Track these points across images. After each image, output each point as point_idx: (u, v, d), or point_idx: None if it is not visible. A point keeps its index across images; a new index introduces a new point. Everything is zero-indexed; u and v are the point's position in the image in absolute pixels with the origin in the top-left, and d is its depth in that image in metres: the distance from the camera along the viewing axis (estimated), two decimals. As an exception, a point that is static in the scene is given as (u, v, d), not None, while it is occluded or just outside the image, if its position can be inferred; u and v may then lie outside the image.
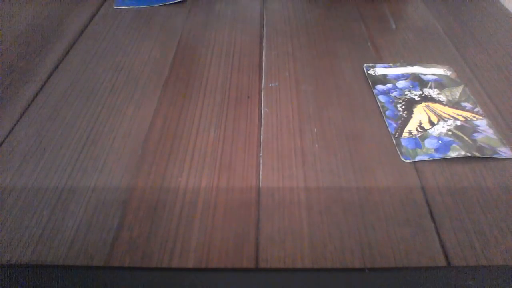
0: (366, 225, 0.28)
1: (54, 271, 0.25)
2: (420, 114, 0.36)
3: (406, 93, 0.39)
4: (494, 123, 0.36)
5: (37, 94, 0.39)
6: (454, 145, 0.33)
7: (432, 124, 0.35)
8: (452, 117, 0.36)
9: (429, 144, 0.33)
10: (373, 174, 0.32)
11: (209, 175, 0.31)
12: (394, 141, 0.34)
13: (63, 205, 0.29)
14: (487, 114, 0.37)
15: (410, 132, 0.35)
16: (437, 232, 0.28)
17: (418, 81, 0.40)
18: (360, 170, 0.32)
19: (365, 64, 0.43)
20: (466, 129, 0.35)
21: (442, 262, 0.26)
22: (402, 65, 0.43)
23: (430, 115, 0.36)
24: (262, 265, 0.26)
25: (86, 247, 0.27)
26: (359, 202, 0.30)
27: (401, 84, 0.40)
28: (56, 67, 0.43)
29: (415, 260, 0.26)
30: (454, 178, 0.31)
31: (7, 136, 0.35)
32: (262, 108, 0.38)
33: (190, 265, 0.26)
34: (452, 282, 0.25)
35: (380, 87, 0.40)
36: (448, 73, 0.42)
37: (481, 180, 0.31)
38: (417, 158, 0.33)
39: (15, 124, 0.36)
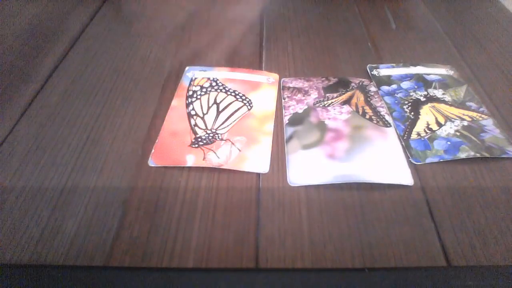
0: (366, 225, 0.28)
1: (54, 271, 0.25)
2: (426, 115, 0.36)
3: (411, 94, 0.39)
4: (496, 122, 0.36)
5: (37, 94, 0.39)
6: (463, 146, 0.33)
7: (439, 125, 0.35)
8: (459, 117, 0.36)
9: (438, 145, 0.33)
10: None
11: (209, 175, 0.31)
12: (403, 143, 0.34)
13: (63, 205, 0.29)
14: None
15: (418, 134, 0.34)
16: (437, 232, 0.28)
17: (422, 82, 0.40)
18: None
19: (368, 65, 0.43)
20: (473, 129, 0.34)
21: (442, 262, 0.26)
22: (405, 65, 0.43)
23: (437, 116, 0.36)
24: (262, 265, 0.26)
25: (86, 247, 0.27)
26: (359, 202, 0.30)
27: (405, 84, 0.40)
28: (56, 67, 0.43)
29: (415, 260, 0.26)
30: (454, 178, 0.31)
31: (7, 136, 0.35)
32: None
33: (190, 265, 0.26)
34: (452, 282, 0.25)
35: (385, 88, 0.40)
36: (451, 72, 0.42)
37: (481, 180, 0.31)
38: (427, 160, 0.32)
39: (15, 124, 0.36)
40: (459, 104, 0.37)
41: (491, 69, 0.43)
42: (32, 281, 0.24)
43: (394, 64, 0.43)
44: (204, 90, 0.39)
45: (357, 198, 0.30)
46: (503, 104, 0.38)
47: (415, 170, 0.32)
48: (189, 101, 0.38)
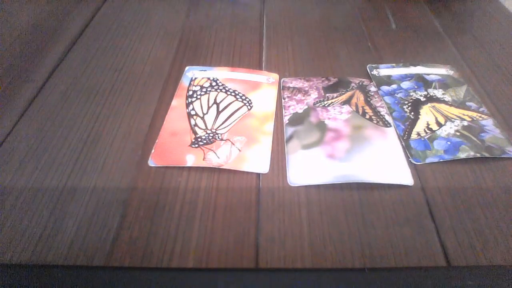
0: (366, 225, 0.28)
1: (54, 271, 0.25)
2: (426, 115, 0.36)
3: (411, 94, 0.39)
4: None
5: (37, 94, 0.39)
6: (463, 145, 0.33)
7: (439, 125, 0.35)
8: (459, 117, 0.36)
9: (438, 145, 0.33)
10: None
11: (209, 175, 0.31)
12: (403, 143, 0.34)
13: (63, 205, 0.29)
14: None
15: (418, 134, 0.34)
16: (437, 232, 0.28)
17: (422, 82, 0.40)
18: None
19: (368, 65, 0.43)
20: (473, 129, 0.34)
21: (442, 262, 0.26)
22: (405, 65, 0.43)
23: (437, 116, 0.36)
24: (262, 265, 0.26)
25: (86, 247, 0.27)
26: (359, 202, 0.30)
27: (405, 84, 0.40)
28: (56, 67, 0.43)
29: (415, 260, 0.26)
30: (454, 178, 0.31)
31: (7, 136, 0.35)
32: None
33: (190, 265, 0.26)
34: (452, 282, 0.25)
35: (385, 88, 0.39)
36: (451, 72, 0.42)
37: (481, 180, 0.31)
38: (427, 160, 0.32)
39: (15, 124, 0.36)
40: (459, 104, 0.37)
41: (491, 69, 0.43)
42: (32, 281, 0.24)
43: (394, 64, 0.43)
44: (204, 90, 0.39)
45: (357, 198, 0.30)
46: (503, 104, 0.38)
47: (415, 170, 0.32)
48: (189, 101, 0.38)
